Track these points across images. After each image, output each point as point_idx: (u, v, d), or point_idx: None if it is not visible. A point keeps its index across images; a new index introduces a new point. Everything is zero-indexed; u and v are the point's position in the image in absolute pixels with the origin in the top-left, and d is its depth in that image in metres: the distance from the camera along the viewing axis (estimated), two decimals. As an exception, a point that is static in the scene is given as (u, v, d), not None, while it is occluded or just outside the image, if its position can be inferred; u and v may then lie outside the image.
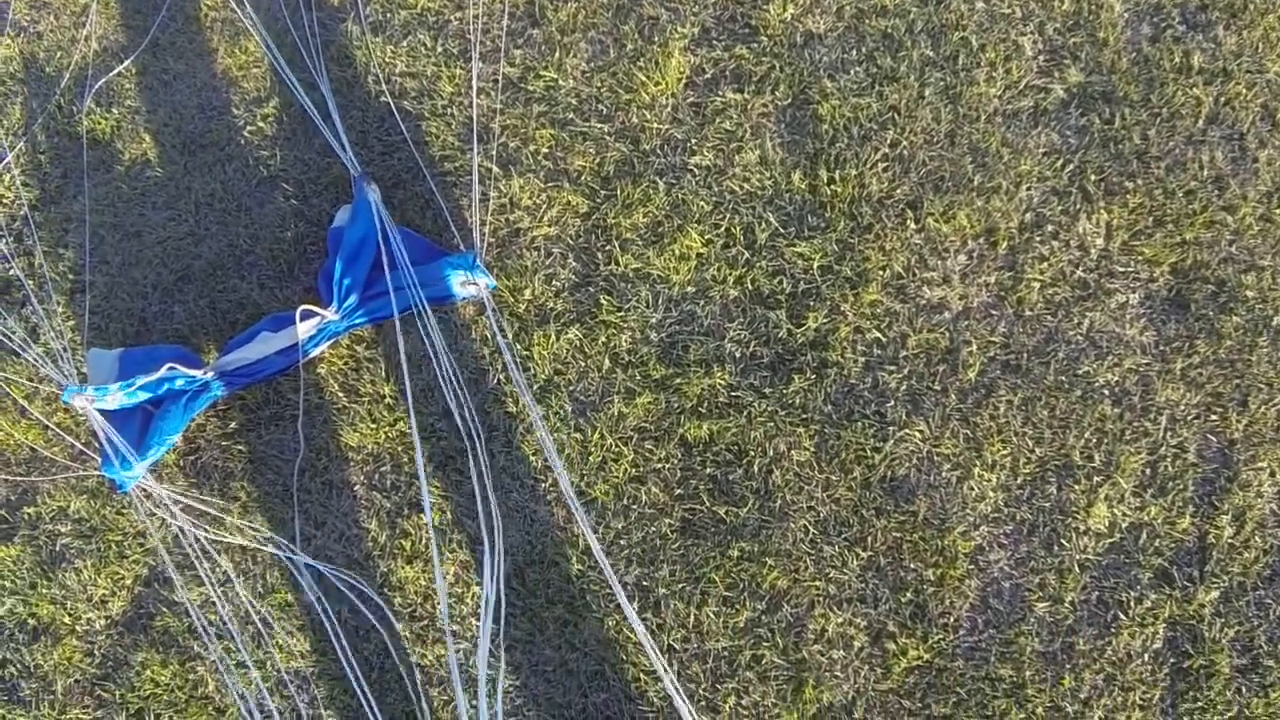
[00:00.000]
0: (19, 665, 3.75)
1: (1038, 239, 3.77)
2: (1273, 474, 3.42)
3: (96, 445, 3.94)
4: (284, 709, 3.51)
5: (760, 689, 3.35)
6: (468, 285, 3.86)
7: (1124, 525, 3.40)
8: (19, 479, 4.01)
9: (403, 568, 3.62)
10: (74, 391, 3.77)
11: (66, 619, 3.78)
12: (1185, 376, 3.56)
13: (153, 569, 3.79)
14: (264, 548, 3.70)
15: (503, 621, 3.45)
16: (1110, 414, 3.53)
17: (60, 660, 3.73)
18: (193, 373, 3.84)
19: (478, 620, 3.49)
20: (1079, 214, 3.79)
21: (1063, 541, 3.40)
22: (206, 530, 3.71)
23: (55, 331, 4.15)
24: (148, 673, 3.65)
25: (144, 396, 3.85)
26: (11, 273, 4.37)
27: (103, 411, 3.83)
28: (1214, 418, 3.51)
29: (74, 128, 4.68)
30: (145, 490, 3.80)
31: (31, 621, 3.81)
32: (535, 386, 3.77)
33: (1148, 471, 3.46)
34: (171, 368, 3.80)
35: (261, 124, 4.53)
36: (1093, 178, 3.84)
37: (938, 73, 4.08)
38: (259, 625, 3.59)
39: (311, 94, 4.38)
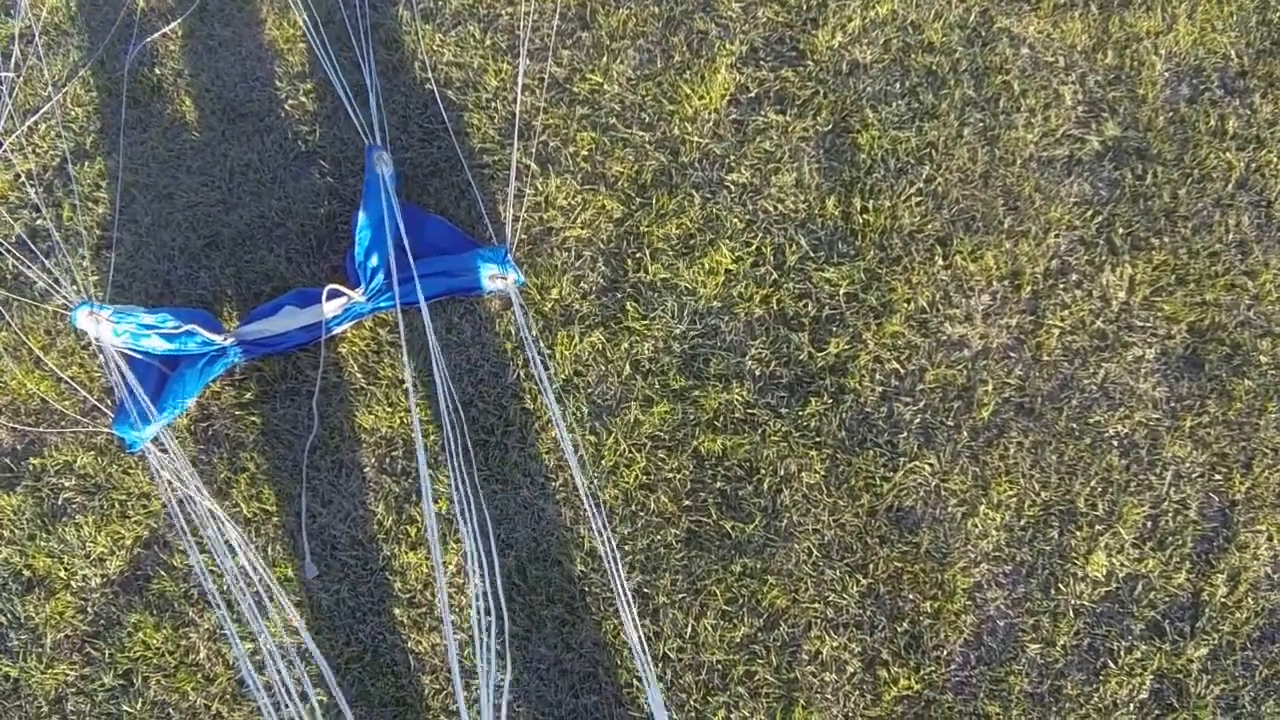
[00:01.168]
0: (9, 615, 3.75)
1: (1061, 286, 3.80)
2: (1270, 538, 3.43)
3: (109, 402, 3.96)
4: (276, 683, 3.51)
5: (751, 705, 3.36)
6: (497, 279, 3.88)
7: (1121, 575, 3.41)
8: (27, 428, 4.02)
9: (406, 553, 3.62)
10: (86, 307, 3.77)
11: (62, 573, 3.78)
12: (1193, 435, 3.58)
13: (154, 531, 3.80)
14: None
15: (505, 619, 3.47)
16: (1117, 464, 3.54)
17: (52, 614, 3.73)
18: (213, 336, 3.86)
19: (474, 611, 3.52)
20: (1104, 265, 3.82)
21: (1060, 586, 3.41)
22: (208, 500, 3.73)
23: (79, 286, 4.16)
24: (140, 634, 3.65)
25: (158, 345, 3.86)
26: (39, 222, 4.38)
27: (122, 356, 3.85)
28: (1218, 478, 3.52)
29: (115, 84, 4.71)
30: (155, 451, 3.80)
31: (26, 573, 3.81)
32: (555, 386, 3.78)
33: (1149, 524, 3.47)
34: (192, 327, 3.82)
35: (304, 99, 4.56)
36: (1120, 231, 3.87)
37: (978, 113, 4.12)
38: (262, 592, 3.56)
39: (355, 74, 4.40)
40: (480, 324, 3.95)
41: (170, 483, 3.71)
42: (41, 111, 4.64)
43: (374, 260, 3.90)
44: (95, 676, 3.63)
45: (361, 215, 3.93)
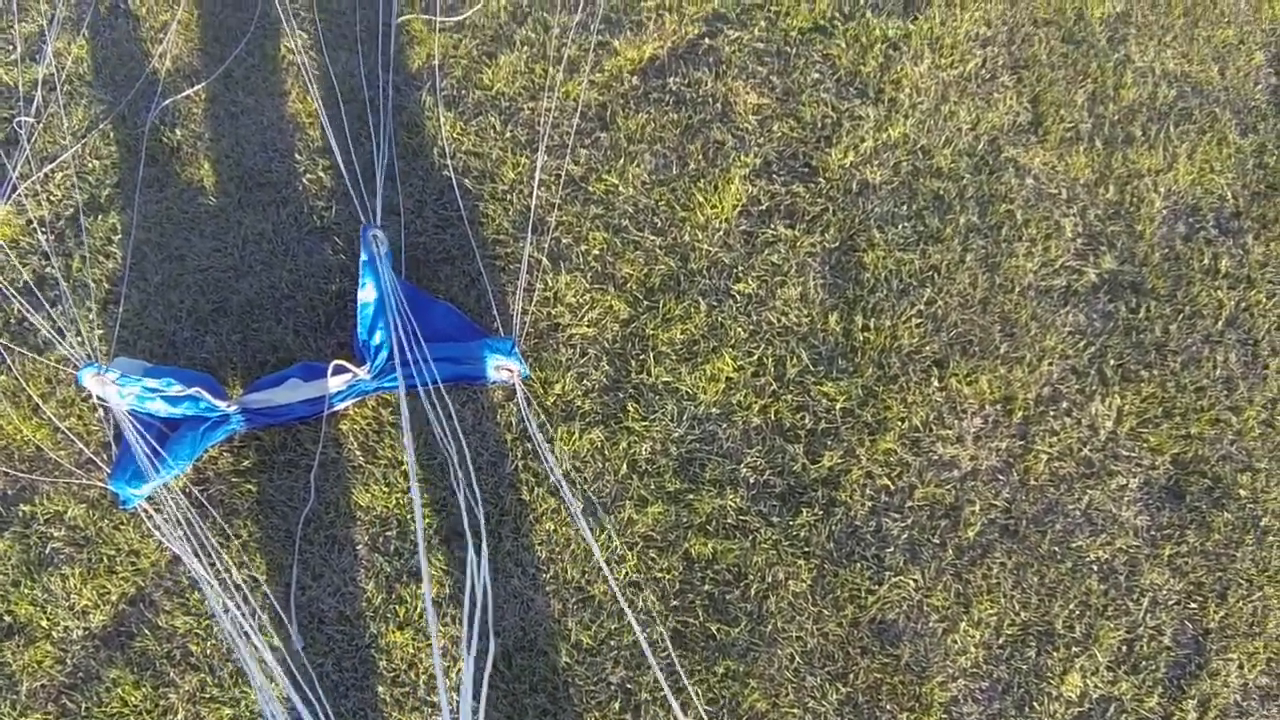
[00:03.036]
0: (-13, 660, 3.75)
1: (1052, 413, 3.88)
2: (1241, 666, 3.49)
3: (106, 456, 3.97)
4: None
5: (727, 808, 3.40)
6: (502, 370, 3.93)
7: (1094, 696, 3.46)
8: (20, 474, 4.01)
9: (393, 632, 3.63)
10: (93, 369, 3.78)
11: (44, 623, 3.76)
12: (1171, 563, 3.65)
13: (140, 589, 3.78)
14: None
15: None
16: (1096, 589, 3.60)
17: (30, 662, 3.71)
18: (216, 402, 3.87)
19: (457, 694, 3.54)
20: (1094, 395, 3.90)
21: (1034, 704, 3.45)
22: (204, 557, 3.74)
23: (84, 335, 4.18)
24: (118, 690, 3.63)
25: (161, 408, 3.87)
26: (48, 270, 4.41)
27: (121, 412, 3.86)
28: (1193, 606, 3.59)
29: (134, 140, 4.75)
30: (149, 510, 3.81)
31: (7, 619, 3.79)
32: (551, 479, 3.81)
33: (1124, 648, 3.52)
34: (197, 392, 3.84)
35: (322, 174, 4.61)
36: (1112, 362, 3.96)
37: (981, 240, 4.22)
38: (248, 659, 3.56)
39: (372, 153, 4.48)
40: (482, 413, 3.99)
41: (180, 537, 3.72)
42: (59, 160, 4.68)
43: (378, 338, 3.94)
44: (69, 729, 3.62)
45: (362, 293, 3.97)
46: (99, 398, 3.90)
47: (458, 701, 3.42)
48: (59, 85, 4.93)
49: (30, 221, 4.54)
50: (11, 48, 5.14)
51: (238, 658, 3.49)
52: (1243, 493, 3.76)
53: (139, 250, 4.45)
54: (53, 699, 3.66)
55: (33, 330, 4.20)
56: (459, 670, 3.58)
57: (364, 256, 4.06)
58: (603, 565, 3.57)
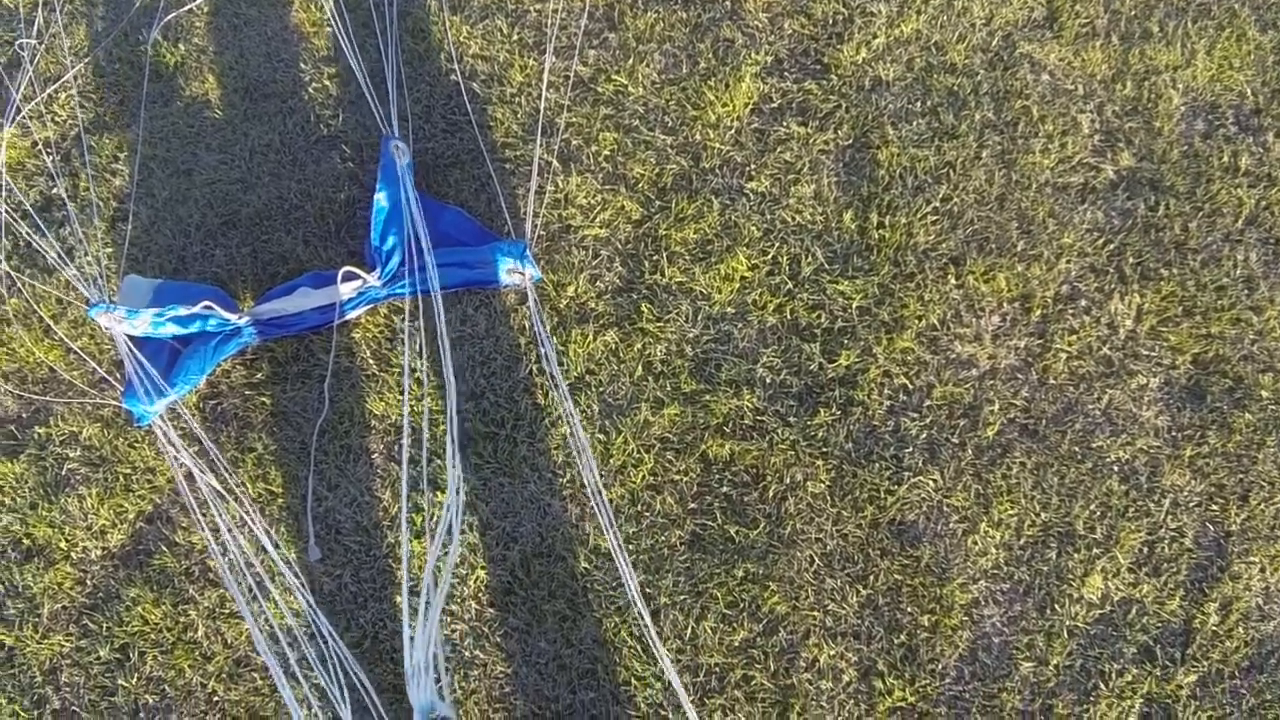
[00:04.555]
0: (7, 584, 3.74)
1: (1070, 312, 3.85)
2: (1263, 569, 3.47)
3: (118, 375, 3.96)
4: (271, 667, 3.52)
5: (746, 709, 3.38)
6: (514, 274, 3.90)
7: (1115, 599, 3.45)
8: (34, 397, 4.01)
9: (412, 540, 3.62)
10: (101, 308, 3.75)
11: (62, 544, 3.77)
12: (1193, 464, 3.63)
13: (157, 506, 3.79)
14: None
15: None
16: (1117, 490, 3.58)
17: (50, 584, 3.72)
18: (227, 315, 3.85)
19: (476, 603, 3.54)
20: (1113, 293, 3.87)
21: (1055, 606, 3.44)
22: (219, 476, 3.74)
23: (92, 255, 4.16)
24: (138, 609, 3.64)
25: (173, 330, 3.84)
26: (55, 191, 4.38)
27: (132, 339, 3.83)
28: (1214, 508, 3.57)
29: (138, 57, 4.71)
30: (163, 426, 3.80)
31: (26, 541, 3.80)
32: (566, 383, 3.80)
33: (1145, 550, 3.51)
34: (207, 306, 3.80)
35: (327, 83, 4.56)
36: (1131, 260, 3.92)
37: (996, 136, 4.16)
38: (265, 571, 3.57)
39: (381, 60, 4.42)
40: (495, 317, 3.96)
41: (177, 457, 3.72)
42: (62, 80, 4.63)
43: (389, 244, 3.91)
44: (91, 649, 3.62)
45: (378, 199, 3.94)
46: (108, 329, 3.89)
47: (474, 609, 3.45)
48: (59, 6, 4.88)
49: (35, 143, 4.51)
50: (11, -31, 5.10)
51: (249, 575, 3.51)
52: (1264, 393, 3.72)
53: (145, 167, 4.42)
54: (74, 620, 3.68)
55: (42, 252, 4.17)
56: (475, 579, 3.59)
57: (381, 163, 4.05)
58: (595, 488, 3.56)
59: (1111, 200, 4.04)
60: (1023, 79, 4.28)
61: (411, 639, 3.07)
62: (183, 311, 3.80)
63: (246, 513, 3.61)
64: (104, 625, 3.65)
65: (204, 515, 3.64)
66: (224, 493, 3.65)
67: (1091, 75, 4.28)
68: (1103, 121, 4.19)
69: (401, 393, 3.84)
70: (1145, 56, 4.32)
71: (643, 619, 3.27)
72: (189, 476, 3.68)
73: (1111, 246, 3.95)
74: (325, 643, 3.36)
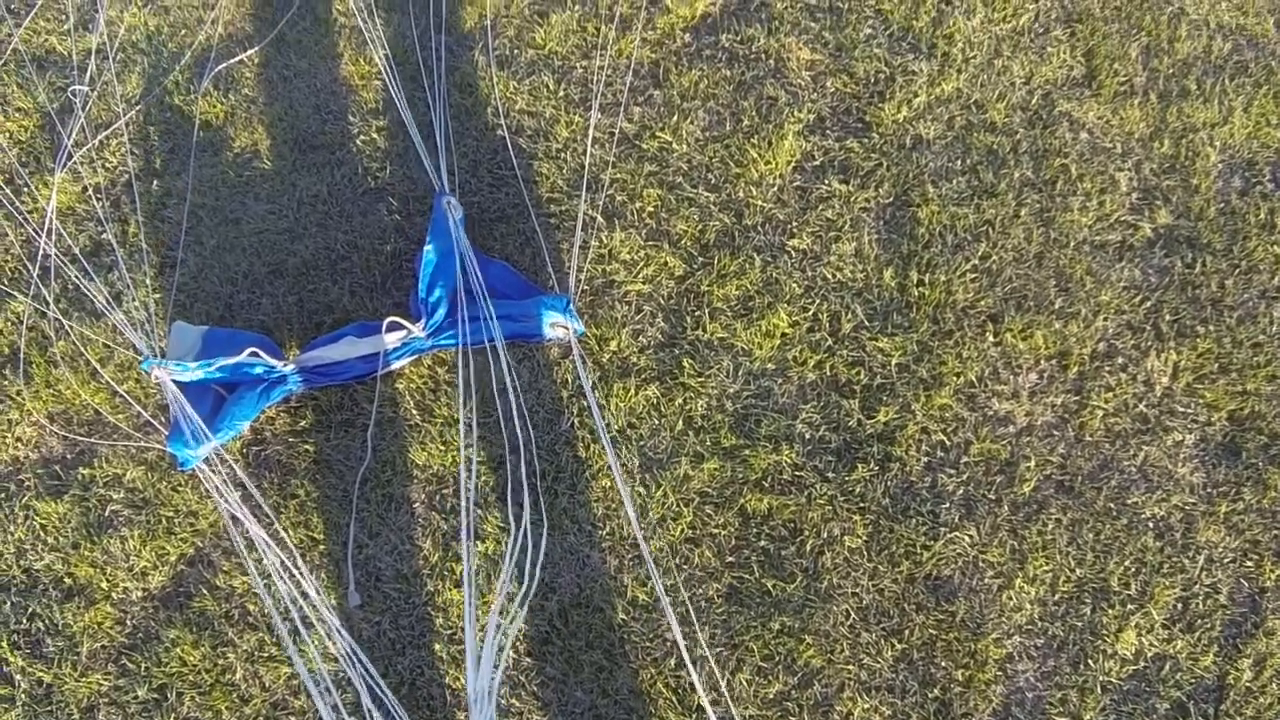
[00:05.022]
0: (48, 621, 3.77)
1: (1107, 369, 3.86)
2: (1297, 626, 3.49)
3: (163, 418, 4.00)
4: (309, 709, 3.54)
5: (782, 762, 3.41)
6: (558, 327, 3.94)
7: (1149, 654, 3.44)
8: (79, 439, 4.06)
9: (450, 589, 3.65)
10: (153, 363, 3.82)
11: (104, 584, 3.80)
12: (1228, 520, 3.63)
13: (199, 549, 3.82)
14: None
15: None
16: (1152, 546, 3.59)
17: (90, 623, 3.75)
18: (273, 362, 3.89)
19: (514, 652, 3.55)
20: (1149, 350, 3.88)
21: (1089, 661, 3.44)
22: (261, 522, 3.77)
23: (140, 301, 4.22)
24: (177, 650, 3.66)
25: (220, 376, 3.90)
26: (104, 236, 4.45)
27: (177, 384, 3.88)
28: (1249, 564, 3.57)
29: (188, 107, 4.79)
30: (206, 471, 3.82)
31: (68, 581, 3.83)
32: (608, 436, 3.81)
33: (1179, 606, 3.51)
34: (254, 353, 3.84)
35: (375, 135, 4.63)
36: (1167, 317, 3.94)
37: (1035, 194, 4.19)
38: (297, 622, 3.57)
39: (429, 115, 4.49)
40: (538, 371, 4.00)
41: (224, 500, 3.75)
42: (113, 128, 4.71)
43: (435, 296, 3.95)
44: (129, 688, 3.65)
45: (426, 251, 3.98)
46: (157, 379, 3.95)
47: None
48: (111, 54, 4.96)
49: (86, 189, 4.58)
50: (65, 18, 5.18)
51: (289, 618, 3.54)
52: (1300, 449, 3.73)
53: (194, 215, 4.48)
54: (113, 659, 3.70)
55: (90, 296, 4.23)
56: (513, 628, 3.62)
57: (433, 217, 4.10)
58: (637, 533, 3.58)
59: (1149, 258, 4.06)
60: (1061, 137, 4.31)
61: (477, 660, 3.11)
62: (229, 360, 3.85)
63: (290, 558, 3.65)
64: (142, 665, 3.67)
65: (249, 558, 3.67)
66: (267, 538, 3.69)
67: (1129, 133, 4.31)
68: (1140, 179, 4.22)
69: (443, 444, 3.89)
70: (1183, 114, 4.35)
71: (692, 654, 3.29)
72: (234, 520, 3.72)
73: (1148, 304, 3.97)
74: (369, 688, 3.39)
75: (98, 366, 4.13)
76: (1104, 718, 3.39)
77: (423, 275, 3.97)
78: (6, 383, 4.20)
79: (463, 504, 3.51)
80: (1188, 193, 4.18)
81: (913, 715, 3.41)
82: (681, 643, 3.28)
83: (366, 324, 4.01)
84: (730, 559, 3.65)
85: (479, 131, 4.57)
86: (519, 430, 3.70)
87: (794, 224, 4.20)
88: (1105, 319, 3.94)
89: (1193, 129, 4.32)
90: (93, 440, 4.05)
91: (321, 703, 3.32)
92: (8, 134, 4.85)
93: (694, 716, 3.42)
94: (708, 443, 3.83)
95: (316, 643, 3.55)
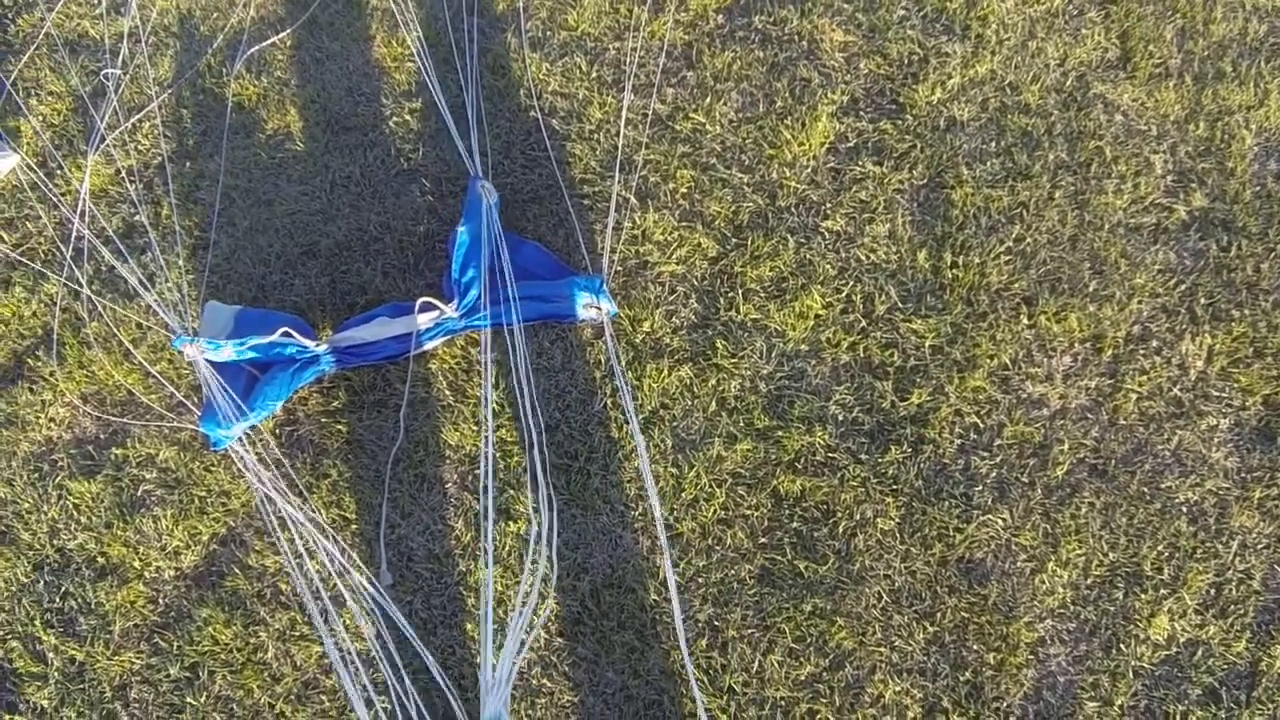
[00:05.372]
0: (80, 600, 3.81)
1: (1141, 352, 3.84)
2: (1332, 613, 3.47)
3: (196, 399, 4.02)
4: (340, 687, 3.55)
5: (812, 743, 3.41)
6: (591, 308, 3.94)
7: (1182, 640, 3.43)
8: (112, 418, 4.09)
9: (481, 570, 3.67)
10: (185, 341, 3.83)
11: (136, 563, 3.84)
12: (1261, 506, 3.60)
13: (231, 529, 3.85)
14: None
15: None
16: (1185, 531, 3.57)
17: (123, 602, 3.78)
18: (306, 342, 3.91)
19: (545, 632, 3.56)
20: (1184, 334, 3.86)
21: (1121, 646, 3.43)
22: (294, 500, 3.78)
23: (173, 282, 4.24)
24: (209, 629, 3.69)
25: (252, 356, 3.92)
26: (137, 218, 4.47)
27: (210, 364, 3.90)
28: (1283, 550, 3.57)
29: (220, 89, 4.82)
30: (240, 451, 3.86)
31: (100, 560, 3.87)
32: (640, 417, 3.84)
33: (1212, 591, 3.49)
34: (286, 333, 3.86)
35: (408, 117, 4.64)
36: (1202, 301, 3.91)
37: (1070, 177, 4.17)
38: (328, 602, 3.61)
39: (461, 97, 4.50)
40: (571, 351, 4.01)
41: (256, 480, 3.77)
42: (145, 110, 4.74)
43: (468, 276, 3.96)
44: (161, 667, 3.68)
45: (460, 232, 3.99)
46: (190, 360, 3.97)
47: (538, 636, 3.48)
48: (144, 37, 4.99)
49: (119, 171, 4.61)
50: (97, 2, 5.21)
51: (323, 597, 3.55)
52: (1336, 434, 3.71)
53: (227, 196, 4.51)
54: (145, 638, 3.74)
55: (124, 278, 4.25)
56: (543, 607, 3.62)
57: (466, 199, 4.12)
58: (658, 520, 3.58)
59: (1184, 241, 4.04)
60: (1096, 119, 4.29)
61: (499, 649, 3.12)
62: (262, 340, 3.87)
63: (323, 536, 3.66)
64: (174, 644, 3.71)
65: (281, 537, 3.70)
66: (299, 516, 3.71)
67: (1165, 116, 4.29)
68: (1175, 162, 4.19)
69: (475, 424, 3.90)
70: (1218, 97, 4.32)
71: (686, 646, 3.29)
72: (265, 499, 3.74)
73: (1183, 287, 3.94)
74: (399, 662, 3.40)
75: (130, 347, 4.15)
76: (1135, 703, 3.38)
77: (456, 256, 3.98)
78: (40, 363, 4.24)
79: (483, 500, 3.53)
80: (1223, 176, 4.15)
81: (944, 698, 3.40)
82: (682, 634, 3.29)
83: (399, 304, 4.02)
84: (763, 540, 3.65)
85: (512, 113, 4.57)
86: (531, 415, 3.71)
87: (828, 205, 4.19)
88: (1140, 302, 3.92)
89: (1228, 111, 4.29)
90: (125, 420, 4.08)
91: (350, 682, 3.35)
92: (41, 117, 4.88)
93: (725, 697, 3.43)
94: (740, 424, 3.83)
95: (348, 621, 3.57)
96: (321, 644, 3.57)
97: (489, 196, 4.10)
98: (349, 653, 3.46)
